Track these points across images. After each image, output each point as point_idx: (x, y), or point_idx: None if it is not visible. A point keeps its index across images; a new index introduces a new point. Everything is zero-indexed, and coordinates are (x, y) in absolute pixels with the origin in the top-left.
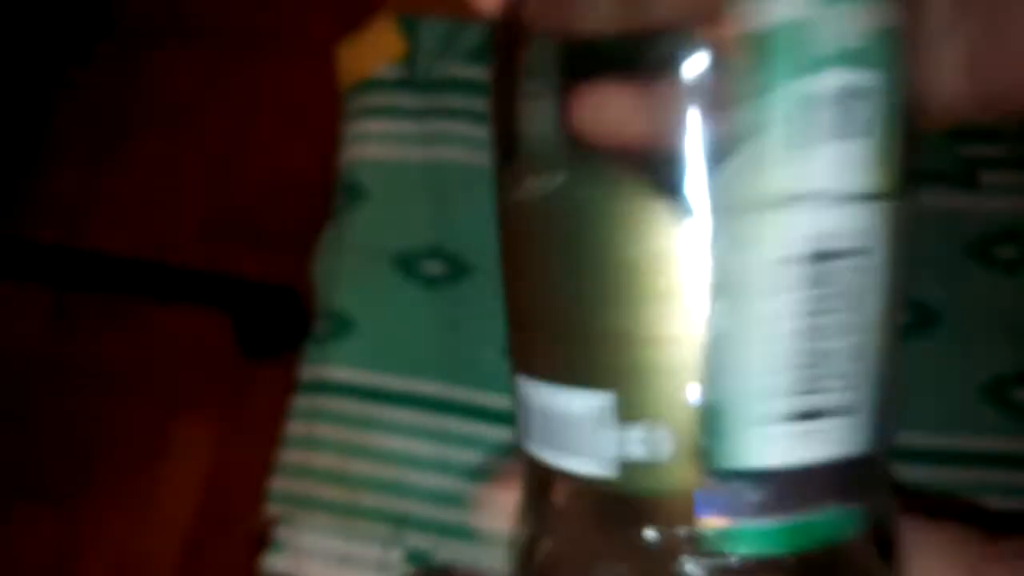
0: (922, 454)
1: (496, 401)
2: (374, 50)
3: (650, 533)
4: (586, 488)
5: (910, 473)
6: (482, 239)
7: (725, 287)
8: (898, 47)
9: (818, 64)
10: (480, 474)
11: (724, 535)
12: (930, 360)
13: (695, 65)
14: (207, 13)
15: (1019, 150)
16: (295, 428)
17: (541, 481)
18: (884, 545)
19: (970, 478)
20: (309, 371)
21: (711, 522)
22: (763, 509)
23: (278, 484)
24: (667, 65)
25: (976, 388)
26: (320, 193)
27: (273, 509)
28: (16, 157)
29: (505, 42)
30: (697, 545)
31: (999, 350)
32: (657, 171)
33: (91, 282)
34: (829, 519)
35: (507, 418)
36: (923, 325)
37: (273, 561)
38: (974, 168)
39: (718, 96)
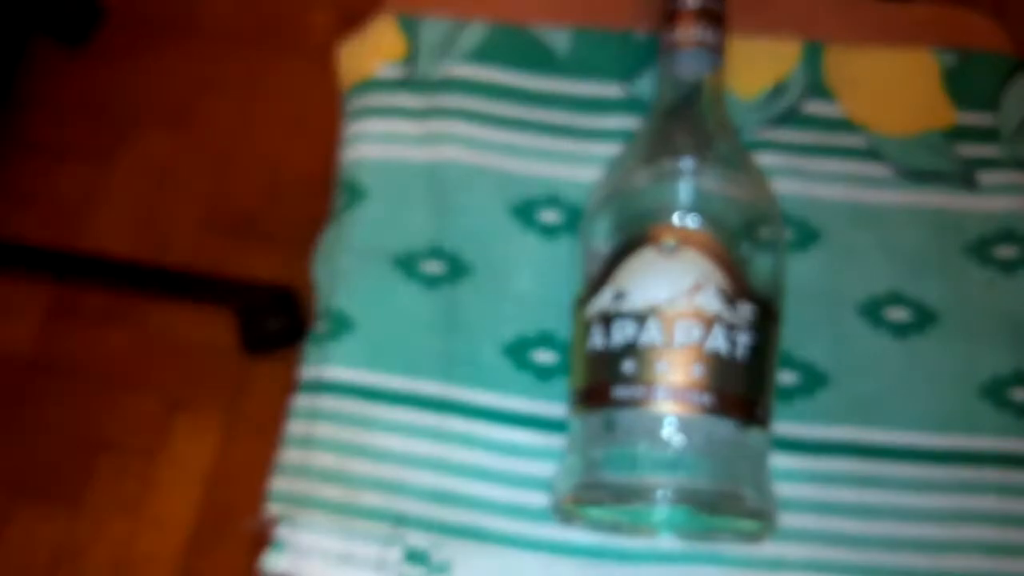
0: (920, 453)
1: (494, 400)
2: (374, 50)
3: None
4: None
5: (907, 471)
6: (481, 239)
7: None
8: None
9: None
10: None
11: None
12: (928, 359)
13: None
14: (207, 11)
15: (1017, 150)
16: (295, 427)
17: None
18: None
19: (967, 477)
20: (309, 370)
21: None
22: None
23: (278, 484)
24: None
25: (974, 387)
26: (320, 192)
27: (273, 508)
28: (15, 154)
29: None
30: None
31: (997, 350)
32: None
33: (93, 281)
34: None
35: (505, 417)
36: (922, 325)
37: (273, 560)
38: (972, 168)
39: None
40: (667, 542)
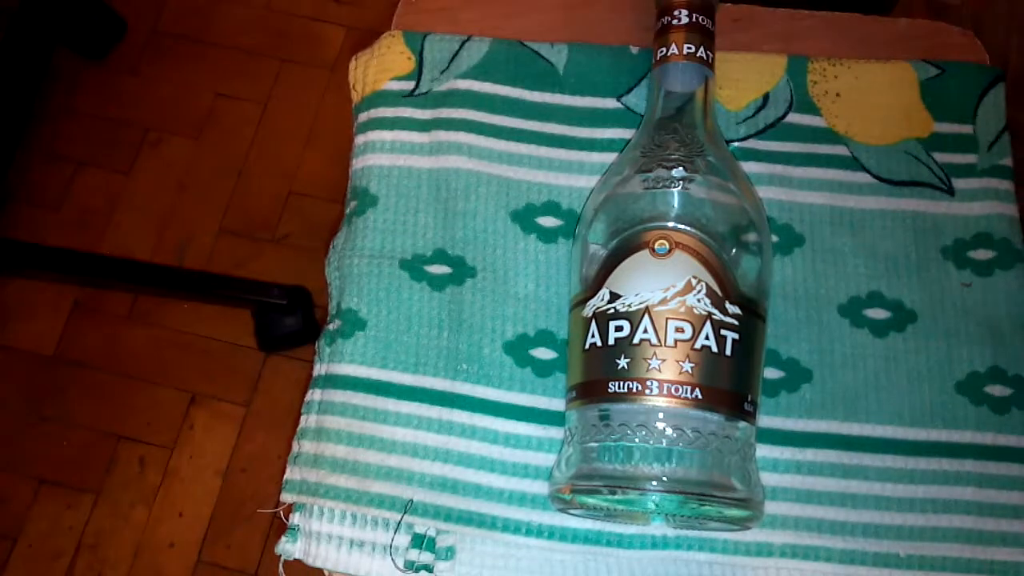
0: (900, 445)
1: (497, 395)
2: (383, 65)
3: None
4: None
5: (888, 462)
6: (484, 242)
7: None
8: None
9: None
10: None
11: None
12: (908, 357)
13: None
14: (224, 25)
15: (994, 159)
16: (308, 421)
17: None
18: None
19: (946, 468)
20: (321, 367)
21: None
22: None
23: (293, 474)
24: None
25: (952, 383)
26: (332, 199)
27: (288, 497)
28: (42, 162)
29: None
30: None
31: (974, 348)
32: None
33: (115, 282)
34: None
35: (506, 410)
36: (901, 324)
37: (288, 546)
38: (950, 175)
39: None
40: (659, 529)
